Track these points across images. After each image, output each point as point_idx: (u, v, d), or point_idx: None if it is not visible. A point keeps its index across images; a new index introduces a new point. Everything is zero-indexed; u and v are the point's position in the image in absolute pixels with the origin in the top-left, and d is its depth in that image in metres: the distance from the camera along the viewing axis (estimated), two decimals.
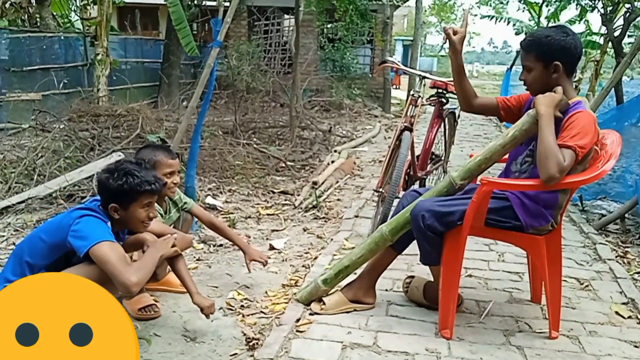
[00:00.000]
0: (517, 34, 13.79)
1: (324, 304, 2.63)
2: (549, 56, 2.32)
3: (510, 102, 2.62)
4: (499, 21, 14.31)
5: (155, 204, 2.72)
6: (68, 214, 2.16)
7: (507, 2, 16.26)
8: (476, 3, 17.28)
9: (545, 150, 2.19)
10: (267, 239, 3.81)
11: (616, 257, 3.59)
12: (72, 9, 11.66)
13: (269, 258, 3.37)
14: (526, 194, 2.38)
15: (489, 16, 14.81)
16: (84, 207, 2.19)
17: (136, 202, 2.19)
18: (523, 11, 13.42)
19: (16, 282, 1.86)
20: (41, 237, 2.15)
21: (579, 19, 11.51)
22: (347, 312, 2.62)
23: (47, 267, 2.10)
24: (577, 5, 10.55)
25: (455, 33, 2.48)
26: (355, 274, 2.74)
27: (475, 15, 18.02)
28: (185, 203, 2.96)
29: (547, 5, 12.14)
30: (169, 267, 2.55)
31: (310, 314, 2.59)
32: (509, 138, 2.41)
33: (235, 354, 2.30)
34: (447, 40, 2.52)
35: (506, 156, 2.60)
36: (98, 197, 2.25)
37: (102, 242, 2.01)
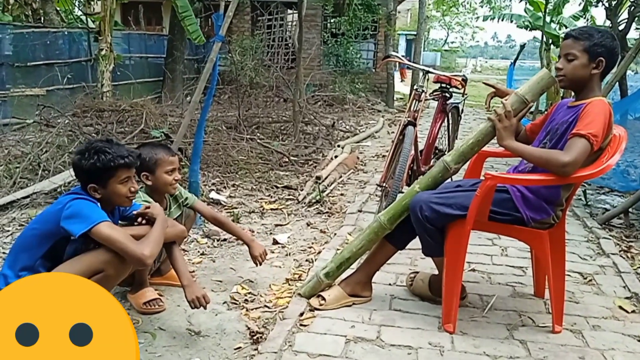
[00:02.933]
0: (519, 27, 13.74)
1: (324, 299, 2.63)
2: (598, 49, 2.29)
3: (535, 123, 2.64)
4: (501, 20, 14.30)
5: (154, 201, 2.70)
6: (57, 201, 2.15)
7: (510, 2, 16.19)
8: (480, 3, 17.16)
9: (539, 162, 2.29)
10: (270, 233, 3.82)
11: (620, 251, 3.58)
12: (76, 4, 11.67)
13: (272, 252, 3.39)
14: (528, 186, 2.39)
15: (491, 16, 14.78)
16: (71, 192, 2.19)
17: (113, 177, 2.17)
18: (526, 3, 13.27)
19: (16, 282, 1.87)
20: (32, 228, 2.16)
21: (582, 14, 11.40)
22: (349, 306, 2.63)
23: (42, 256, 2.10)
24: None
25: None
26: (352, 268, 2.75)
27: (478, 17, 18.00)
28: (186, 199, 2.88)
29: (546, 3, 12.03)
30: None
31: (310, 310, 2.60)
32: None
33: (240, 347, 2.31)
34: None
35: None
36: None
37: (101, 222, 2.03)
